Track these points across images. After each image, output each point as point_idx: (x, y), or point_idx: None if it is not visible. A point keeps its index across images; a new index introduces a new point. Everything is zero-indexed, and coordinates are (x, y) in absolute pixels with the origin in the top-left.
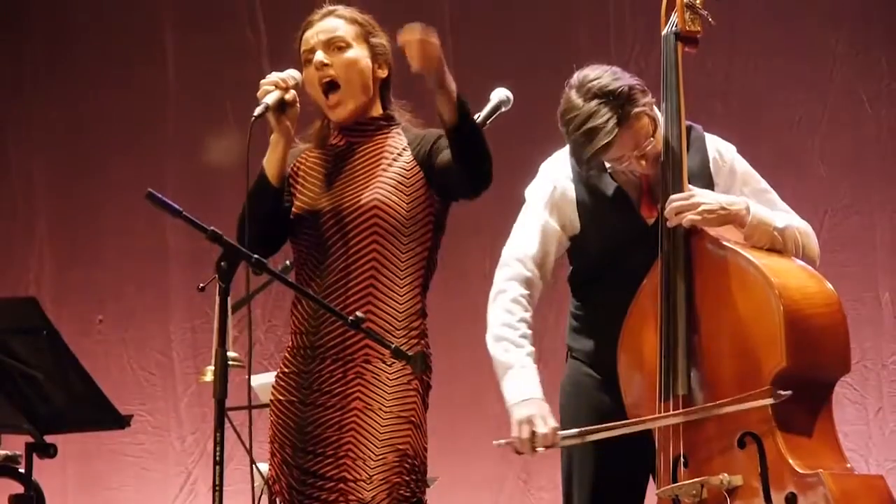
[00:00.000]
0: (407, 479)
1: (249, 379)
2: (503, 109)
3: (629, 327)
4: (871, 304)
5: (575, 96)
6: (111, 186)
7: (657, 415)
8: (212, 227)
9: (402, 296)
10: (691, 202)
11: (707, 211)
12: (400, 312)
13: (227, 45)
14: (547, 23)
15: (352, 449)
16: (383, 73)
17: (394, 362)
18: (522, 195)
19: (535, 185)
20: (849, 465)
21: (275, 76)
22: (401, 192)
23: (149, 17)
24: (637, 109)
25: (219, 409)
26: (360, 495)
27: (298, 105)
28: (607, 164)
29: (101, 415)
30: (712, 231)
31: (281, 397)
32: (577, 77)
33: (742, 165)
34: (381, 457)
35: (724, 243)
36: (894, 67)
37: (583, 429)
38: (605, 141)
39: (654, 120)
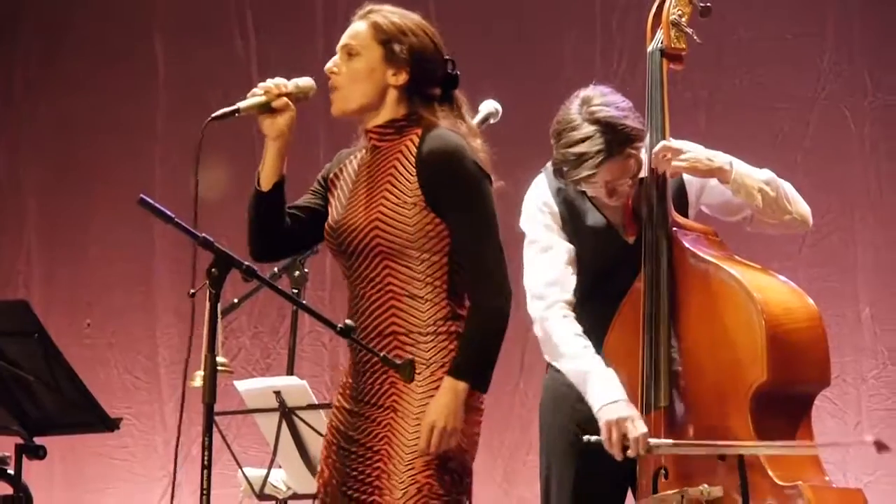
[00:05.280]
0: (439, 480)
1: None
2: (491, 121)
3: (612, 340)
4: (852, 319)
5: (577, 110)
6: (100, 191)
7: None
8: (203, 234)
9: (424, 304)
10: (678, 148)
11: (694, 159)
12: (424, 321)
13: (217, 53)
14: (533, 36)
15: (385, 454)
16: (398, 80)
17: (422, 369)
18: (507, 201)
19: (528, 216)
20: (827, 479)
21: (269, 83)
22: (404, 211)
23: (139, 24)
24: (630, 151)
25: (207, 414)
26: (391, 495)
27: (293, 111)
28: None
29: (90, 417)
30: (694, 246)
31: (337, 404)
32: (589, 92)
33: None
34: (409, 462)
35: (707, 258)
36: (878, 84)
37: (677, 441)
38: (588, 172)
39: (639, 164)
